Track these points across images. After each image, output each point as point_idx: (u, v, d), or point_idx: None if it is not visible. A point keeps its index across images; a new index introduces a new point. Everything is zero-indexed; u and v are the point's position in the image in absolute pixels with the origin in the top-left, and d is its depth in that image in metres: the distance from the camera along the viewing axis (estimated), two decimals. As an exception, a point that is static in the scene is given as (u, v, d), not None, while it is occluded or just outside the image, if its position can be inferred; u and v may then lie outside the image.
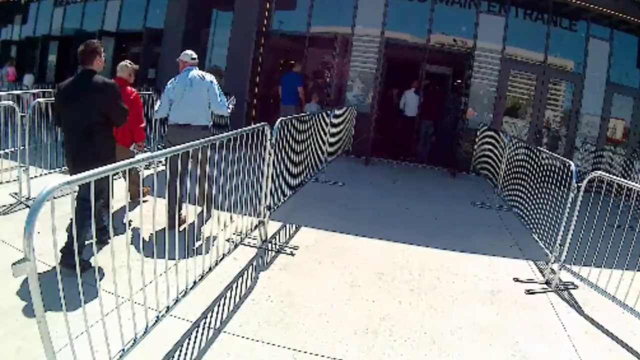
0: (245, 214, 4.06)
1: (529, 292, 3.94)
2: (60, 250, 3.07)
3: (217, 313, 3.07)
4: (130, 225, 3.34)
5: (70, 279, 2.20)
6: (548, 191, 4.81)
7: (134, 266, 2.38)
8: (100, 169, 2.02)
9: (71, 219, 2.68)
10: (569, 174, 4.26)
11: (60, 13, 12.46)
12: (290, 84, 8.80)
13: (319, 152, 6.52)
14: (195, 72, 4.50)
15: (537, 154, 5.40)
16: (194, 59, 4.60)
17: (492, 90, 9.20)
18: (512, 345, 3.08)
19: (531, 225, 4.98)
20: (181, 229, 3.99)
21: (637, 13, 8.72)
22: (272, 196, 4.39)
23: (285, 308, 3.23)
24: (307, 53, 9.85)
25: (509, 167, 6.36)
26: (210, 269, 3.16)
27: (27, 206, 4.55)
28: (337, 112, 7.29)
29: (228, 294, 3.33)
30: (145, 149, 4.95)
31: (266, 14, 9.73)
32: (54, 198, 1.79)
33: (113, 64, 5.74)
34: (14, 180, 5.05)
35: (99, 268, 2.98)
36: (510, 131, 8.82)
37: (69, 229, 3.23)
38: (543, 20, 9.07)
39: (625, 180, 3.77)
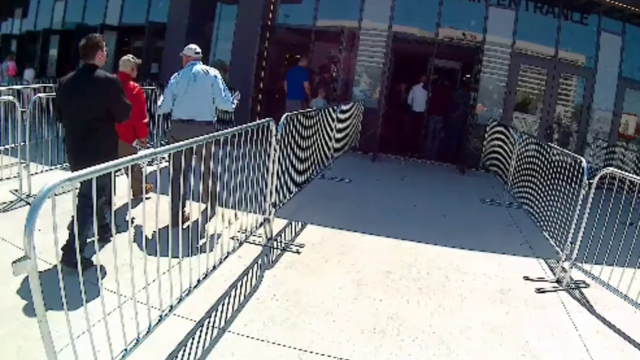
0: (250, 212, 4.02)
1: (540, 290, 3.88)
2: (62, 248, 3.05)
3: (222, 312, 3.03)
4: (132, 222, 3.32)
5: (71, 278, 2.18)
6: (559, 188, 4.74)
7: (137, 264, 2.34)
8: (102, 165, 2.00)
9: (72, 217, 2.65)
10: (580, 170, 4.19)
11: (62, 7, 12.43)
12: (295, 79, 8.75)
13: (325, 148, 6.47)
14: (199, 67, 4.44)
15: (548, 150, 5.33)
16: (197, 53, 4.54)
17: (501, 85, 9.08)
18: (522, 344, 3.03)
19: (542, 223, 4.91)
20: (185, 226, 3.97)
21: (650, 6, 8.57)
22: (278, 193, 4.36)
23: (291, 307, 3.18)
24: (313, 47, 9.78)
25: (519, 163, 6.29)
26: (214, 268, 3.13)
27: (28, 203, 4.53)
28: (344, 107, 7.23)
29: (232, 293, 3.29)
30: (148, 145, 4.91)
31: (271, 7, 9.66)
32: (55, 195, 1.77)
33: (115, 59, 5.70)
34: (15, 177, 5.05)
35: (101, 266, 2.96)
36: (520, 127, 8.72)
37: (70, 227, 3.20)
38: (554, 13, 8.94)
39: (638, 177, 3.68)
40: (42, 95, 5.19)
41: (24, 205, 4.54)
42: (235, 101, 4.67)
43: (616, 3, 8.53)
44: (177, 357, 2.53)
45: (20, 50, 13.69)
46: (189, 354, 2.57)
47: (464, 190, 7.38)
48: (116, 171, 2.14)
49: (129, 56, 4.77)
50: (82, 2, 11.95)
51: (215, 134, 3.14)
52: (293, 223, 4.77)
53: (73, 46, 9.58)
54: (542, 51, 9.06)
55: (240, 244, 3.75)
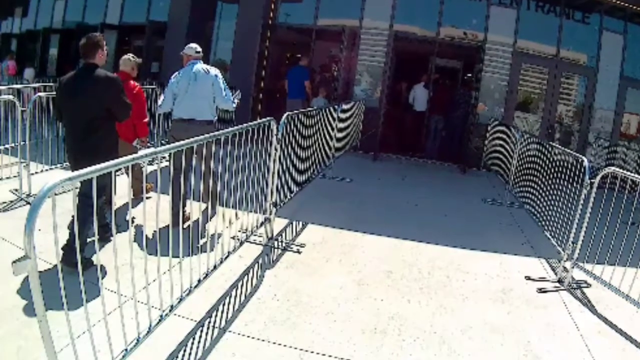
0: (251, 211, 4.01)
1: (541, 290, 3.86)
2: (62, 248, 3.04)
3: (222, 312, 3.02)
4: (133, 222, 3.31)
5: (71, 277, 2.17)
6: (560, 187, 4.72)
7: (137, 264, 2.33)
8: (103, 164, 1.99)
9: (73, 216, 2.65)
10: (582, 169, 4.18)
11: (62, 6, 12.42)
12: (296, 78, 8.73)
13: (326, 147, 6.45)
14: (200, 66, 4.43)
15: (549, 149, 5.31)
16: (198, 52, 4.53)
17: (503, 84, 9.06)
18: (523, 344, 3.02)
19: (543, 223, 4.89)
20: (185, 226, 3.97)
21: (652, 5, 8.54)
22: (279, 193, 4.34)
23: (292, 307, 3.17)
24: (314, 46, 9.76)
25: (520, 163, 6.26)
26: (215, 267, 3.11)
27: (28, 203, 4.53)
28: (345, 106, 7.21)
29: (233, 293, 3.28)
30: (148, 144, 4.90)
31: (272, 6, 9.64)
32: (55, 195, 1.76)
33: (116, 58, 5.69)
34: (15, 177, 5.03)
35: (101, 266, 2.95)
36: (521, 126, 8.69)
37: (71, 226, 3.20)
38: (555, 12, 8.92)
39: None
40: (42, 94, 5.18)
41: (24, 205, 4.53)
42: (235, 100, 4.67)
43: (618, 2, 8.51)
44: (177, 357, 2.53)
45: (20, 50, 13.68)
46: (190, 354, 2.56)
47: (465, 190, 7.37)
48: (116, 171, 2.14)
49: (130, 55, 4.76)
50: (83, 1, 11.95)
51: (216, 133, 3.13)
52: (294, 223, 4.76)
53: (73, 45, 9.56)
54: (544, 50, 9.04)
55: (241, 243, 3.73)
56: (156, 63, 10.81)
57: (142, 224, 2.62)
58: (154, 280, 2.48)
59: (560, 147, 5.23)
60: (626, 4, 8.52)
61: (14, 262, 1.59)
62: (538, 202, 5.24)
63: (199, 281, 2.87)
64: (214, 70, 4.48)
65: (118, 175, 2.54)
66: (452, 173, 8.62)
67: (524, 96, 9.36)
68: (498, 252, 4.60)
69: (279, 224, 4.52)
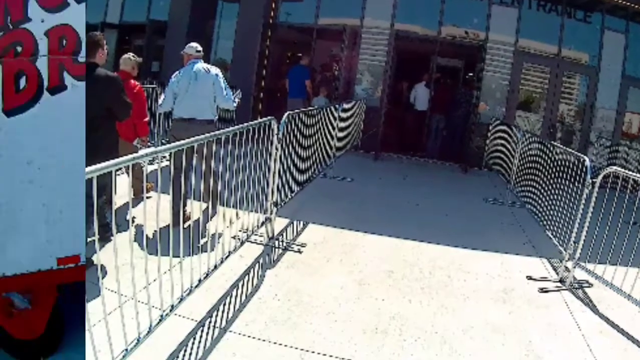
0: (252, 211, 4.00)
1: (543, 290, 3.85)
2: (63, 247, 3.03)
3: (223, 312, 3.01)
4: (133, 222, 3.29)
5: (71, 278, 2.16)
6: (562, 187, 4.70)
7: (138, 264, 2.32)
8: (103, 164, 1.98)
9: (73, 216, 2.63)
10: (584, 169, 4.16)
11: (62, 5, 12.40)
12: (297, 78, 8.72)
13: (327, 147, 6.45)
14: (200, 65, 4.43)
15: (551, 149, 5.29)
16: (199, 51, 4.53)
17: (504, 83, 9.04)
18: (525, 344, 3.01)
19: (545, 222, 4.88)
20: (186, 225, 3.95)
21: (654, 5, 8.51)
22: (279, 192, 4.34)
23: (293, 307, 3.17)
24: (315, 45, 9.75)
25: (522, 162, 6.25)
26: (215, 267, 3.11)
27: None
28: (346, 106, 7.21)
29: (234, 293, 3.27)
30: (148, 143, 4.90)
31: (273, 5, 9.62)
32: (55, 194, 1.75)
33: (116, 57, 5.67)
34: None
35: (102, 266, 2.93)
36: (523, 126, 8.66)
37: (72, 226, 3.18)
38: (557, 11, 8.90)
39: (641, 176, 3.66)
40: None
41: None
42: (236, 100, 4.67)
43: (619, 1, 8.48)
44: (178, 357, 2.52)
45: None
46: (190, 354, 2.56)
47: (467, 189, 7.36)
48: (117, 170, 2.13)
49: (130, 54, 4.76)
50: (83, 1, 11.93)
51: (217, 132, 3.13)
52: (295, 222, 4.75)
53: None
54: (545, 49, 9.02)
55: (242, 243, 3.72)
56: (156, 62, 10.77)
57: (143, 223, 2.61)
58: (154, 280, 2.47)
59: (561, 146, 5.22)
60: (628, 3, 8.49)
61: (14, 262, 1.59)
62: (539, 201, 5.22)
63: (200, 281, 2.87)
64: (215, 70, 4.47)
65: (118, 174, 2.53)
66: (454, 172, 8.61)
67: (525, 95, 9.34)
68: (499, 251, 4.59)
69: (279, 223, 4.51)
